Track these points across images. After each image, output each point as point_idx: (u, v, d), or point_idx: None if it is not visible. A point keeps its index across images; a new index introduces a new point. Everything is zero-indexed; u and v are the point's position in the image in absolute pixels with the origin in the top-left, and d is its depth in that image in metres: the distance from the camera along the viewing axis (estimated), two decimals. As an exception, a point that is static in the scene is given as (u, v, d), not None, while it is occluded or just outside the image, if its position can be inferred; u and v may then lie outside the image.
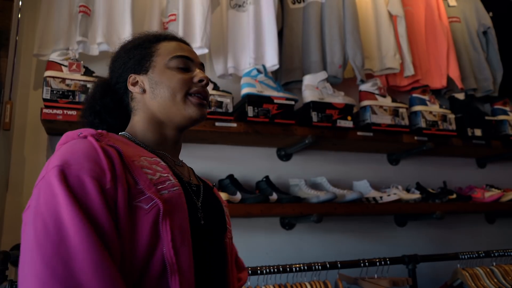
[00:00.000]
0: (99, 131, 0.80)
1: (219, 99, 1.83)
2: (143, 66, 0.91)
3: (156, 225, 0.70)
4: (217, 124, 1.81)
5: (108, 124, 0.93)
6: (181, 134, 0.93)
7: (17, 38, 1.75)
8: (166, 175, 0.78)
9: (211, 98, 1.81)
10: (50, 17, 1.80)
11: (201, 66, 0.95)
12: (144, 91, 0.90)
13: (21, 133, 1.74)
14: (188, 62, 0.91)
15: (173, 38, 0.95)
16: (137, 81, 0.91)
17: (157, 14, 1.98)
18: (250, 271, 1.62)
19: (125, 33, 1.81)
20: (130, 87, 0.91)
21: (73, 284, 0.59)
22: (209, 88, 1.83)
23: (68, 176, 0.66)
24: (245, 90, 1.91)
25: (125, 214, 0.68)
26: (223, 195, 1.73)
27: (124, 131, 0.92)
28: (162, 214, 0.70)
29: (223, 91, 1.86)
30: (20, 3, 1.80)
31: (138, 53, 0.92)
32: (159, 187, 0.74)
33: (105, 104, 0.92)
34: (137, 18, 1.89)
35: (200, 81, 0.90)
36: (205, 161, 1.99)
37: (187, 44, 0.97)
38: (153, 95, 0.89)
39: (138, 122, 0.90)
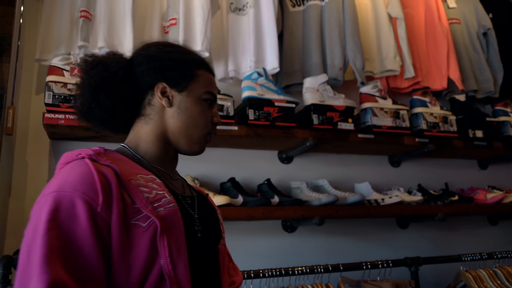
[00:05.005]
0: (97, 150, 0.83)
1: (220, 102, 1.83)
2: (180, 84, 0.91)
3: (154, 242, 0.74)
4: (218, 127, 1.81)
5: (116, 110, 0.89)
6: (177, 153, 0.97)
7: (19, 43, 1.75)
8: (161, 192, 0.81)
9: (212, 101, 1.82)
10: (51, 22, 1.81)
11: (216, 102, 1.01)
12: (170, 106, 0.90)
13: (23, 137, 1.74)
14: (213, 100, 0.96)
15: (210, 69, 0.98)
16: (166, 92, 0.91)
17: (158, 18, 1.99)
18: (252, 274, 1.63)
19: (126, 38, 1.82)
20: (158, 94, 0.90)
21: None
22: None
23: (62, 201, 0.70)
24: (246, 93, 1.91)
25: (120, 234, 0.72)
26: (224, 199, 1.73)
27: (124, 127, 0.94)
28: (160, 231, 0.74)
29: (224, 94, 1.87)
30: (22, 8, 1.80)
31: (181, 68, 0.92)
32: (155, 205, 0.77)
33: (124, 90, 0.89)
34: (137, 23, 1.90)
35: (216, 124, 0.96)
36: (207, 164, 1.99)
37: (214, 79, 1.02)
38: (177, 116, 0.90)
39: (147, 134, 0.91)
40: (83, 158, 0.78)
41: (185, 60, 0.94)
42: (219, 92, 1.87)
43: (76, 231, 0.69)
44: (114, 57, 0.92)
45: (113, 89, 0.87)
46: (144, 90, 0.92)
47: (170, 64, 0.92)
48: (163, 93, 0.91)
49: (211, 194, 1.75)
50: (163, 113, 0.91)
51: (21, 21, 1.79)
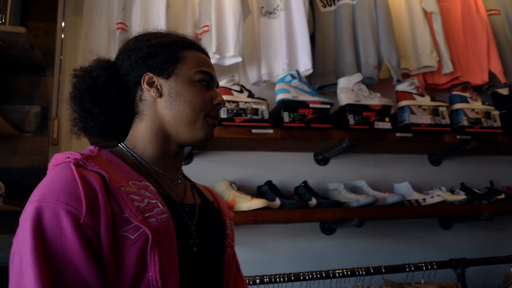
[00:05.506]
0: (88, 152, 0.79)
1: (254, 106, 1.84)
2: (165, 70, 0.84)
3: (143, 255, 0.68)
4: (253, 131, 1.82)
5: (107, 115, 0.83)
6: (182, 149, 0.90)
7: (61, 57, 1.84)
8: (154, 201, 0.75)
9: (246, 105, 1.83)
10: (90, 36, 1.88)
11: (217, 85, 0.93)
12: (160, 96, 0.84)
13: (68, 147, 1.82)
14: (210, 79, 0.88)
15: (199, 48, 0.91)
16: (154, 83, 0.84)
17: (191, 26, 2.02)
18: (293, 277, 1.62)
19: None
20: (145, 87, 0.84)
21: None
22: (244, 96, 1.85)
23: (45, 213, 0.66)
24: (280, 96, 1.91)
25: (109, 245, 0.67)
26: (262, 202, 1.73)
27: (123, 126, 0.88)
28: (151, 243, 0.68)
29: (258, 98, 1.88)
30: (63, 24, 1.89)
31: (162, 53, 0.85)
32: (146, 215, 0.71)
33: (109, 93, 0.83)
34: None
35: (219, 104, 0.87)
36: (243, 168, 2.00)
37: (209, 59, 0.94)
38: (169, 105, 0.83)
39: (143, 131, 0.85)
40: (70, 162, 0.73)
41: (165, 43, 0.86)
42: (252, 96, 1.88)
43: (64, 246, 0.64)
44: (98, 63, 0.87)
45: (97, 93, 0.82)
46: (133, 87, 0.86)
47: (150, 52, 0.85)
48: (151, 84, 0.84)
49: (248, 198, 1.75)
50: (156, 106, 0.84)
51: (62, 36, 1.88)
